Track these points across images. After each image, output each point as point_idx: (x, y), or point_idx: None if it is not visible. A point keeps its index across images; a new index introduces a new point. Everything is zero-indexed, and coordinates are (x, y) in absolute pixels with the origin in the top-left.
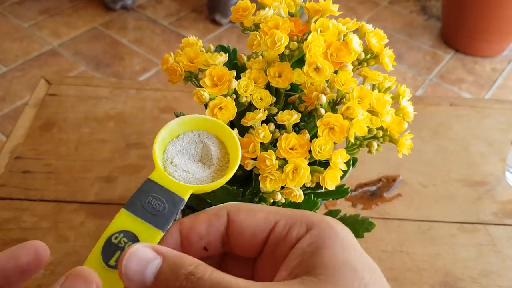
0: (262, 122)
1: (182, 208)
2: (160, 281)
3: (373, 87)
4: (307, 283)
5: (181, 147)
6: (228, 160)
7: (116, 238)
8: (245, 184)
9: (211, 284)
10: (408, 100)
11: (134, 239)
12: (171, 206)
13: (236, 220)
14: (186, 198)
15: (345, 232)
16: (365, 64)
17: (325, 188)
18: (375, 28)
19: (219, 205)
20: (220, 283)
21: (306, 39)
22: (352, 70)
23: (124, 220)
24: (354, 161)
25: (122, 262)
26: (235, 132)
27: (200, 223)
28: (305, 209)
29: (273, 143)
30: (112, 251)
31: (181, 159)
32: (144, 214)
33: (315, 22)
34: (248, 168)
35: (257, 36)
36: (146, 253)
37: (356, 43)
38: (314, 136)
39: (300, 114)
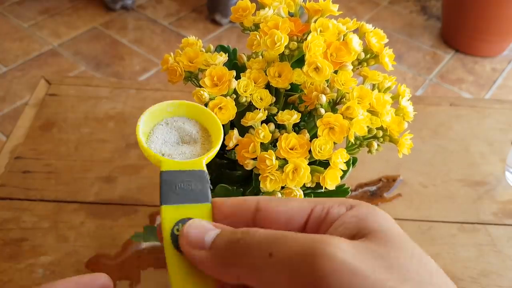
0: (262, 122)
1: (208, 177)
2: (218, 243)
3: (373, 87)
4: (365, 243)
5: (160, 140)
6: (207, 130)
7: (177, 230)
8: (245, 184)
9: (265, 233)
10: (408, 100)
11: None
12: (200, 180)
13: (267, 208)
14: (205, 169)
15: (386, 213)
16: (365, 64)
17: (325, 188)
18: (375, 28)
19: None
20: (272, 231)
21: (306, 39)
22: (352, 70)
23: (172, 214)
24: (354, 161)
25: (184, 230)
26: (196, 103)
27: (227, 203)
28: None
29: (273, 143)
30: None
31: (169, 148)
32: (183, 198)
33: (315, 22)
34: (248, 168)
35: (257, 36)
36: (205, 223)
37: (356, 43)
38: (314, 136)
39: (300, 114)
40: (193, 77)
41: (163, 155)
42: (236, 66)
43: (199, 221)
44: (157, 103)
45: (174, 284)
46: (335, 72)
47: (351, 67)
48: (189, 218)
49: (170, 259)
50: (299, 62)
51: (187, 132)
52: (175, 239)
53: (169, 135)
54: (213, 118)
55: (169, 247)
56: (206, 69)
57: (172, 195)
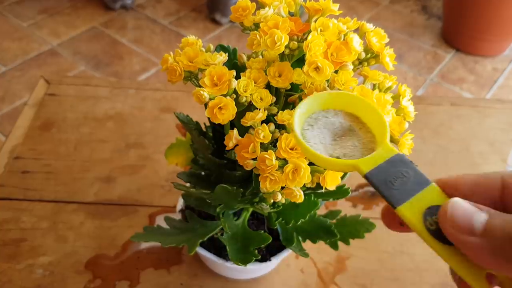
0: (262, 122)
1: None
2: (495, 229)
3: (374, 86)
4: None
5: (319, 145)
6: (350, 113)
7: (430, 224)
8: (245, 184)
9: None
10: (409, 100)
11: (436, 207)
12: (404, 164)
13: None
14: (399, 151)
15: None
16: (366, 63)
17: (326, 188)
18: (375, 27)
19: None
20: None
21: (306, 38)
22: (353, 70)
23: (412, 211)
24: None
25: (447, 210)
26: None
27: (464, 181)
28: (305, 209)
29: (273, 143)
30: (440, 232)
31: (336, 149)
32: (409, 190)
33: (315, 21)
34: (248, 168)
35: (257, 35)
36: (466, 204)
37: (356, 42)
38: None
39: None
40: (193, 77)
41: (338, 157)
42: (236, 66)
43: (461, 201)
44: (293, 112)
45: (468, 278)
46: (336, 72)
47: (351, 67)
48: (430, 208)
49: (446, 256)
50: (299, 62)
51: (335, 125)
52: (434, 233)
53: (323, 136)
54: (352, 98)
55: (439, 246)
56: (206, 69)
57: (396, 192)
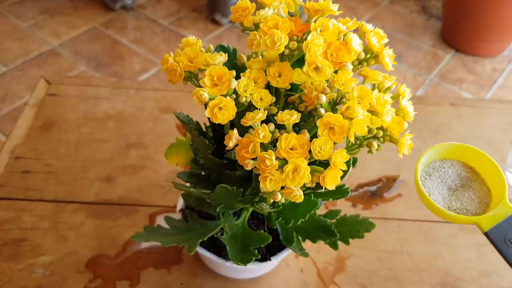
0: (262, 122)
1: None
2: None
3: (373, 86)
4: None
5: (438, 196)
6: (472, 167)
7: None
8: (245, 184)
9: None
10: (408, 100)
11: None
12: None
13: None
14: None
15: None
16: (365, 63)
17: (325, 188)
18: (375, 27)
19: None
20: None
21: (306, 38)
22: (352, 70)
23: None
24: (354, 161)
25: None
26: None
27: None
28: (305, 209)
29: (273, 143)
30: None
31: (453, 201)
32: None
33: (315, 21)
34: (248, 168)
35: (257, 36)
36: None
37: (356, 42)
38: (314, 136)
39: (300, 114)
40: (193, 77)
41: (455, 211)
42: (236, 66)
43: None
44: (416, 164)
45: None
46: (335, 72)
47: (351, 67)
48: None
49: None
50: (299, 62)
51: (452, 176)
52: None
53: (440, 187)
54: (471, 150)
55: None
56: (206, 69)
57: None
